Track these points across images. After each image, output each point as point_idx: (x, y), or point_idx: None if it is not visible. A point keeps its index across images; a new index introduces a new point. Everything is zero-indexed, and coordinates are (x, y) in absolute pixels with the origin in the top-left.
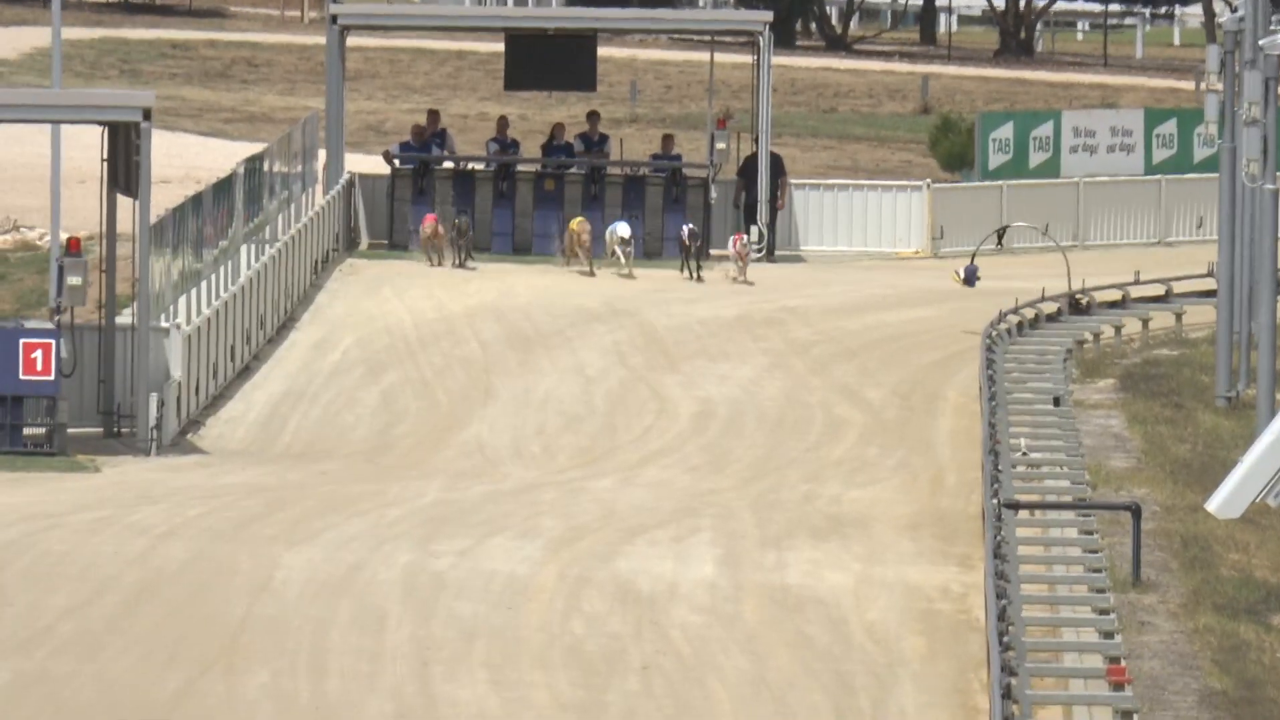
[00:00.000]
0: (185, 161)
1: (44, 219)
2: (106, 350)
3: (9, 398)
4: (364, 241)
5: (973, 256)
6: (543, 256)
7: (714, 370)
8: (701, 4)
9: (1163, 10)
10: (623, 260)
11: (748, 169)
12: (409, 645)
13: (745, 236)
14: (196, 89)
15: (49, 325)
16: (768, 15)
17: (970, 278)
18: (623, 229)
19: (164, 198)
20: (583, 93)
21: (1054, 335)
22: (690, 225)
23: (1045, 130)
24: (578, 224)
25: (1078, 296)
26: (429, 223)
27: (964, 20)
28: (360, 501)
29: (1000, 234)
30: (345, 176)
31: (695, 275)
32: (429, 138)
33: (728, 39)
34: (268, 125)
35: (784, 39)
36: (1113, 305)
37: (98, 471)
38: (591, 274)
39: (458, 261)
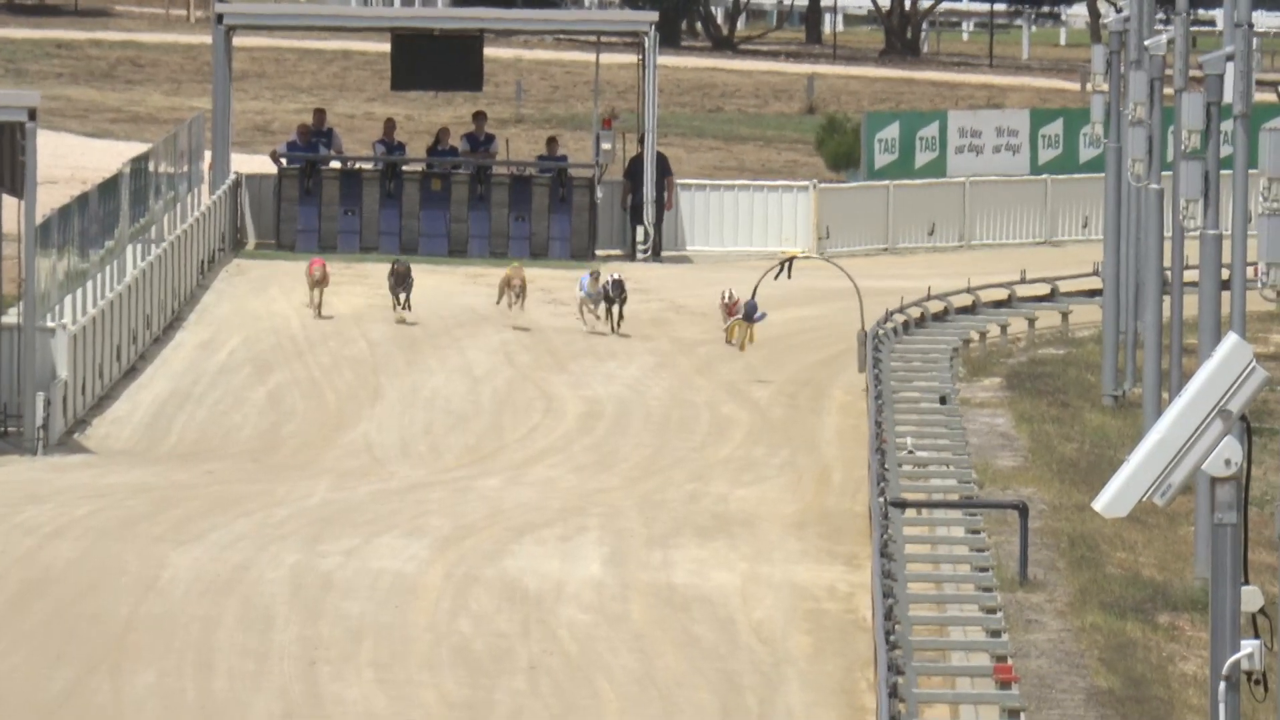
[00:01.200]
0: (71, 162)
1: None
2: None
3: None
4: (251, 241)
5: (754, 290)
6: (429, 256)
7: (601, 369)
8: (587, 4)
9: (1047, 11)
10: (598, 317)
11: (634, 169)
12: (296, 645)
13: (732, 296)
14: (82, 89)
15: None
16: (653, 15)
17: (750, 313)
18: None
19: (50, 198)
20: (469, 93)
21: (940, 334)
22: (616, 276)
23: (931, 130)
24: (512, 270)
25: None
26: (317, 266)
27: (849, 20)
28: (247, 501)
29: (785, 266)
30: (231, 176)
31: (615, 327)
32: (315, 137)
33: (613, 39)
34: (153, 125)
35: (669, 39)
36: (999, 304)
37: None
38: (525, 328)
39: (397, 309)
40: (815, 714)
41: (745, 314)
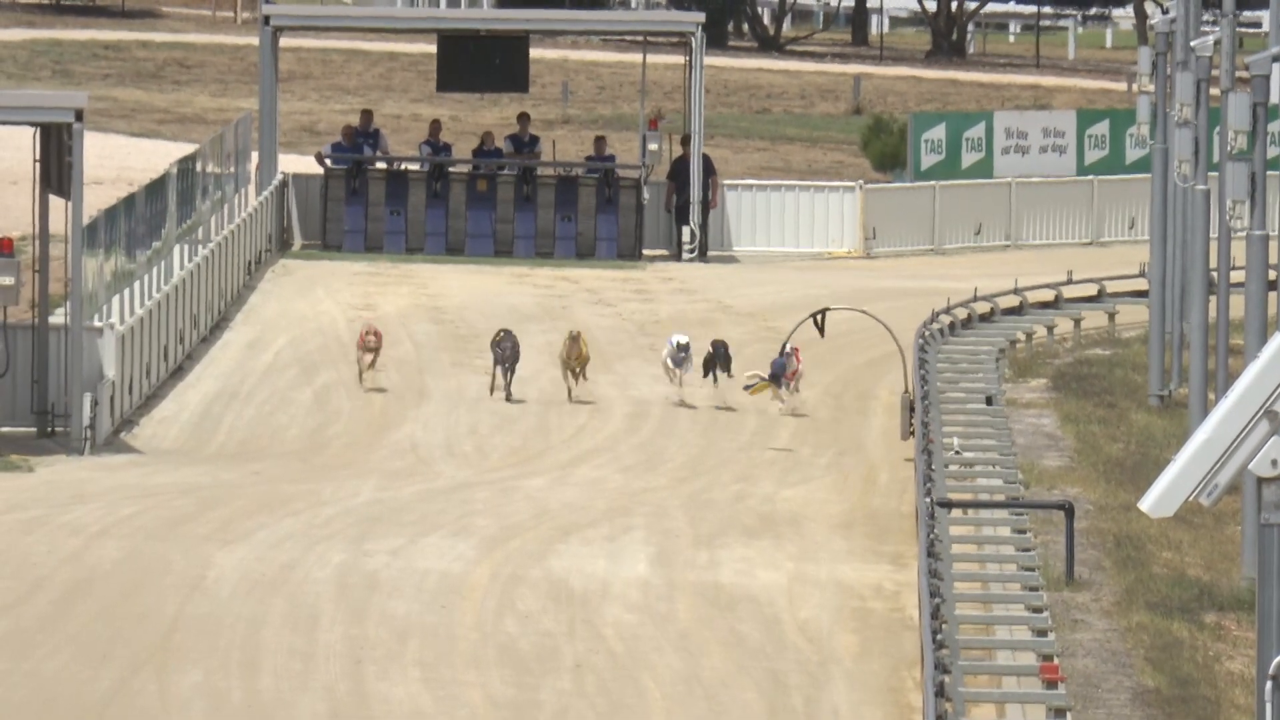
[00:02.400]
0: (118, 162)
1: None
2: (40, 350)
3: None
4: (297, 242)
5: (783, 347)
6: (475, 257)
7: (647, 370)
8: (634, 5)
9: (1094, 12)
10: (676, 375)
11: (678, 170)
12: (342, 644)
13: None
14: (129, 90)
15: None
16: (700, 16)
17: (777, 373)
18: (679, 339)
19: (97, 198)
20: (515, 94)
21: (987, 335)
22: (719, 341)
23: (977, 131)
24: (569, 343)
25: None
26: (371, 336)
27: (895, 22)
28: (294, 501)
29: (819, 318)
30: (278, 177)
31: (715, 382)
32: (361, 138)
33: (660, 40)
34: (200, 126)
35: (716, 40)
36: (1045, 305)
37: (31, 471)
38: (589, 401)
39: (504, 391)
40: (862, 713)
41: (772, 374)
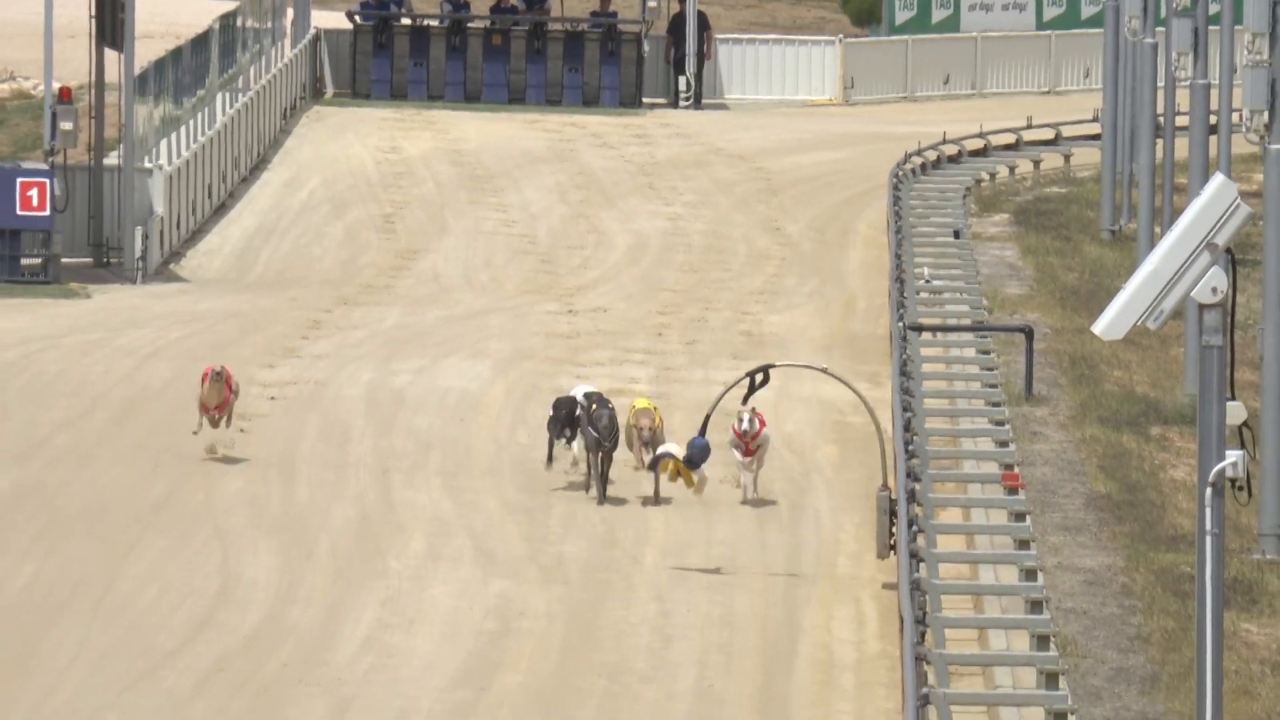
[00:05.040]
0: (166, 18)
1: (38, 70)
2: (96, 188)
3: (7, 231)
4: (329, 91)
5: (704, 423)
6: (491, 104)
7: (646, 207)
8: None
9: None
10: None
11: (676, 25)
12: (371, 455)
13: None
14: None
15: (44, 166)
16: None
17: (695, 456)
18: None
19: (147, 51)
20: None
21: (954, 175)
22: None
23: None
24: (639, 411)
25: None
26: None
27: None
28: (327, 325)
29: (758, 376)
30: (311, 31)
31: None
32: None
33: None
34: None
35: None
36: (1008, 148)
37: (88, 298)
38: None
39: (598, 492)
40: (841, 518)
41: (688, 458)
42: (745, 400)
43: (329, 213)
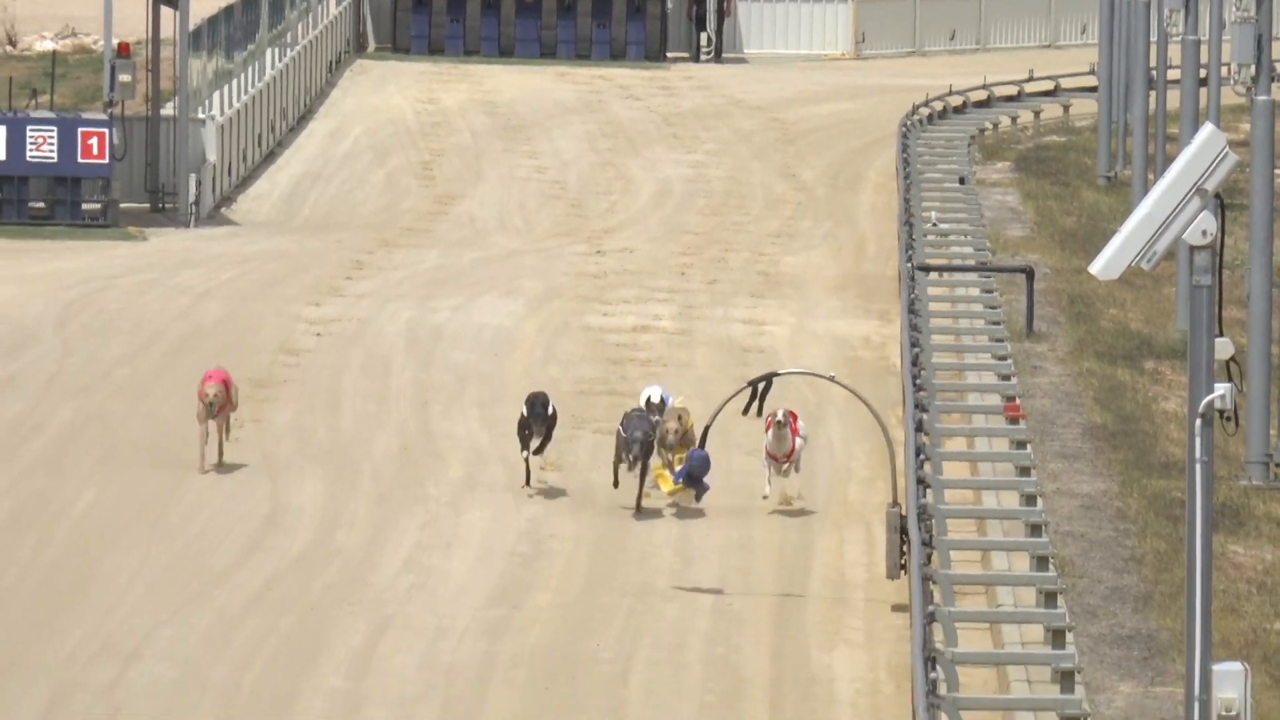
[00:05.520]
0: None
1: (98, 27)
2: (152, 138)
3: (69, 178)
4: (371, 46)
5: (704, 434)
6: (524, 58)
7: (670, 155)
8: None
9: None
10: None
11: None
12: (411, 388)
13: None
14: None
15: (103, 117)
16: None
17: (694, 471)
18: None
19: (200, 8)
20: None
21: (959, 124)
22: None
23: None
24: (666, 412)
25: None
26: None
27: None
28: (369, 266)
29: (761, 386)
30: None
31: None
32: None
33: None
34: None
35: None
36: (1010, 99)
37: (145, 241)
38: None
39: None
40: (853, 447)
41: (686, 473)
42: (745, 411)
43: (371, 160)
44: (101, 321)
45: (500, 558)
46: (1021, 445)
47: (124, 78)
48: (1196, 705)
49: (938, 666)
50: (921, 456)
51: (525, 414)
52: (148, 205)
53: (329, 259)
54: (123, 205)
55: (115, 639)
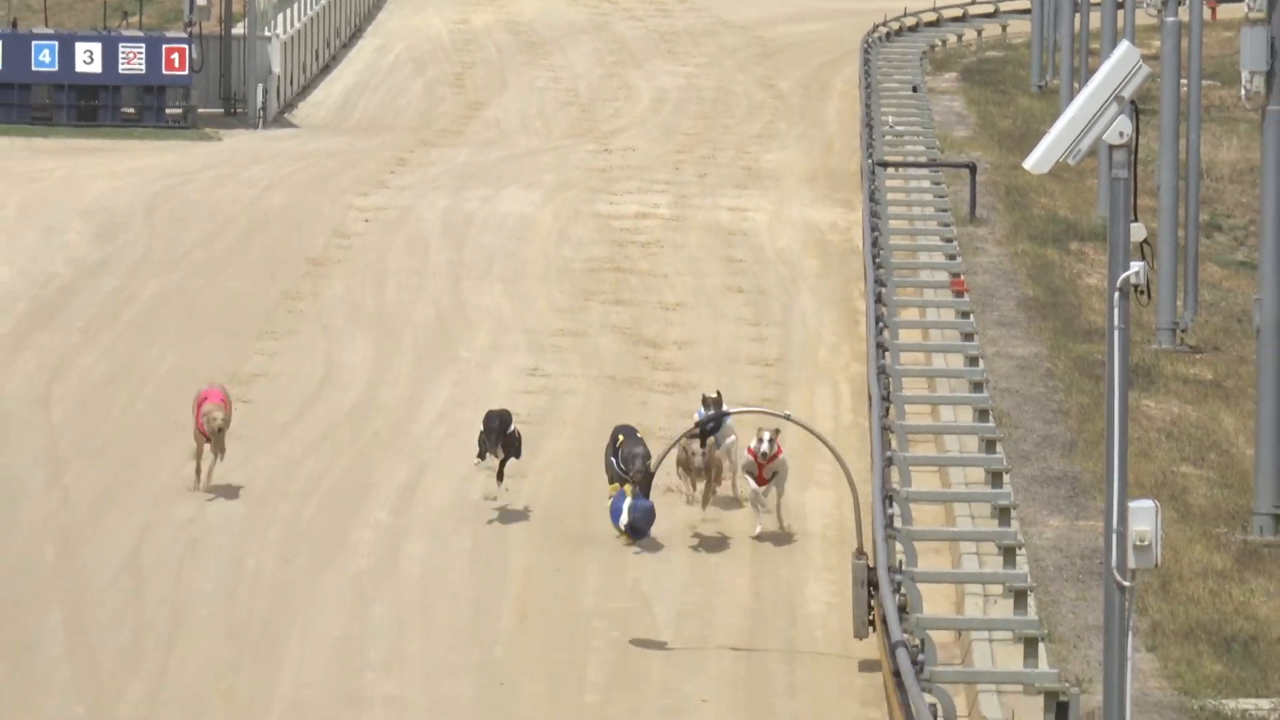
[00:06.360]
0: None
1: None
2: (225, 53)
3: (155, 88)
4: None
5: (648, 479)
6: None
7: (666, 68)
8: None
9: None
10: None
11: None
12: (446, 266)
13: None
14: None
15: (183, 35)
16: None
17: (638, 523)
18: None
19: None
20: None
21: (913, 42)
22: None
23: None
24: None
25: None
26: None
27: None
28: (410, 161)
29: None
30: None
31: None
32: None
33: None
34: None
35: None
36: (956, 19)
37: (219, 141)
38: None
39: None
40: (823, 315)
41: (629, 525)
42: (703, 442)
43: (411, 72)
44: (183, 210)
45: (521, 410)
46: (965, 315)
47: (201, 1)
48: (1115, 536)
49: (894, 504)
50: (880, 324)
51: (482, 431)
52: (222, 111)
53: (376, 156)
54: (200, 111)
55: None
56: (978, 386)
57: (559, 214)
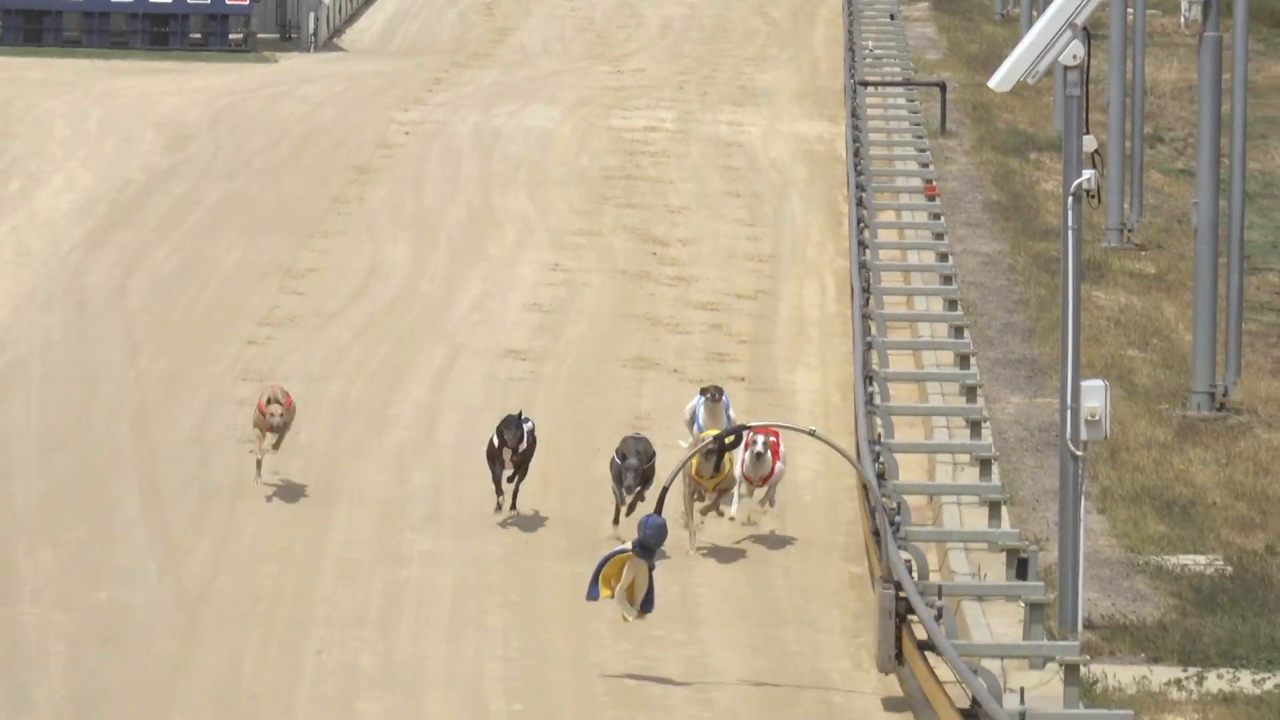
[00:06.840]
0: None
1: None
2: None
3: (219, 15)
4: None
5: (660, 498)
6: None
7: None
8: None
9: None
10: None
11: None
12: (477, 174)
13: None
14: None
15: None
16: None
17: (648, 542)
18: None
19: None
20: None
21: None
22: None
23: None
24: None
25: None
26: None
27: None
28: (445, 81)
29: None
30: None
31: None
32: None
33: None
34: None
35: None
36: None
37: (276, 63)
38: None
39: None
40: (811, 216)
41: (639, 542)
42: (719, 459)
43: (446, 2)
44: (245, 123)
45: (544, 299)
46: (936, 216)
47: None
48: (1069, 412)
49: (874, 383)
50: (861, 224)
51: (495, 441)
52: (278, 36)
53: (414, 76)
54: (259, 36)
55: (254, 363)
56: (947, 280)
57: (577, 128)
